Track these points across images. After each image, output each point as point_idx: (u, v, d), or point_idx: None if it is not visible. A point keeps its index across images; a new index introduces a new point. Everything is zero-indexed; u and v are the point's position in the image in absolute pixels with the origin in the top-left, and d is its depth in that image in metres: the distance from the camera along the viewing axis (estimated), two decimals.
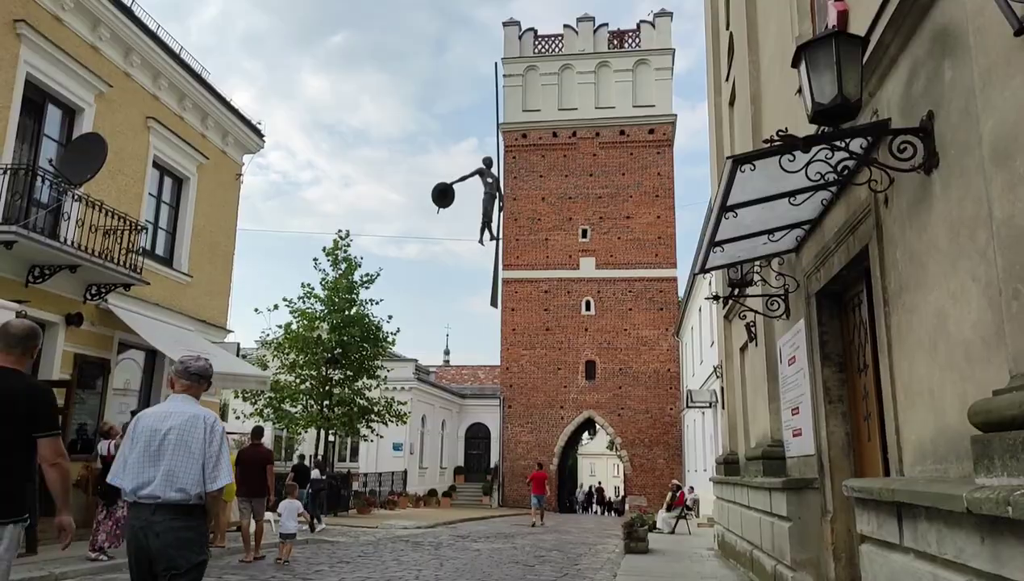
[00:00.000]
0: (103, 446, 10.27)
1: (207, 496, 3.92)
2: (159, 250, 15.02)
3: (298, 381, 22.92)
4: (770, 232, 6.50)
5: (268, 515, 11.96)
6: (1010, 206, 2.90)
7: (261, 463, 10.99)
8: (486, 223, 13.44)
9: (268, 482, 10.99)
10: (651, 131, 38.31)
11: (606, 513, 44.16)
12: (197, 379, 4.21)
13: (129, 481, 3.89)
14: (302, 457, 25.92)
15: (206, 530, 4.09)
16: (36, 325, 4.09)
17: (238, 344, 18.13)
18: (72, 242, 11.29)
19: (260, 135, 18.02)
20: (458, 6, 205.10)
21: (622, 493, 41.45)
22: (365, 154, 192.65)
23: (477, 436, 40.76)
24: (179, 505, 3.85)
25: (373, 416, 23.93)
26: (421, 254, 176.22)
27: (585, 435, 49.71)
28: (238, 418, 23.94)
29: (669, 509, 20.21)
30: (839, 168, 4.53)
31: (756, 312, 8.94)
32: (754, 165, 4.57)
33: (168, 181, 15.43)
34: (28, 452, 3.72)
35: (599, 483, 57.15)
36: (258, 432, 11.74)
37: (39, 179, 11.35)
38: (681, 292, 34.38)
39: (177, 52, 14.81)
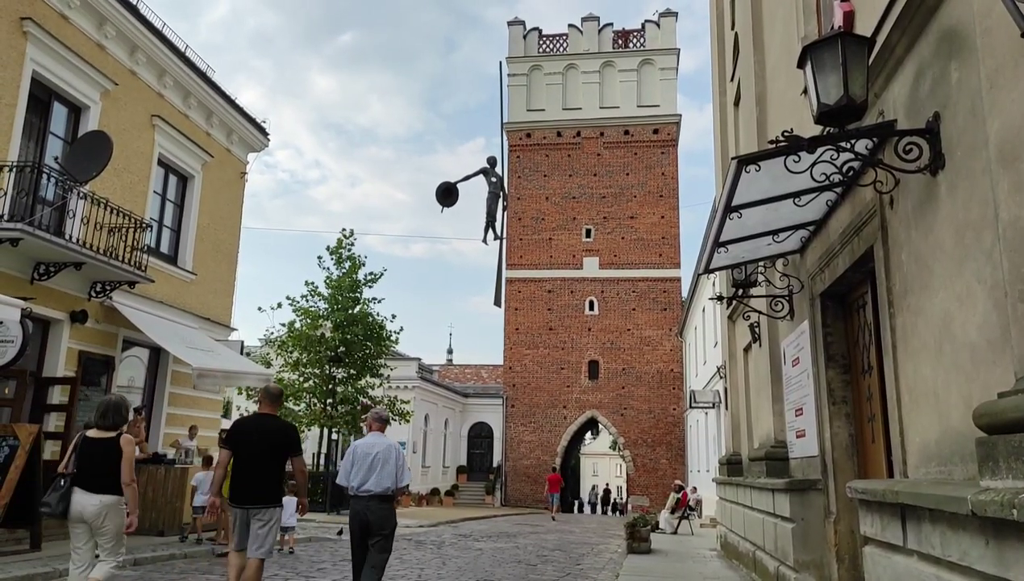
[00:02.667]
0: None
1: (397, 489, 6.63)
2: (164, 248, 15.05)
3: (301, 379, 22.96)
4: (774, 233, 6.49)
5: None
6: (1016, 208, 2.89)
7: None
8: (490, 222, 13.46)
9: None
10: (655, 131, 38.27)
11: (613, 513, 44.10)
12: (386, 422, 7.08)
13: (354, 483, 6.54)
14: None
15: (395, 509, 6.77)
16: (282, 388, 6.56)
17: (242, 342, 18.18)
18: (77, 239, 11.32)
19: (265, 133, 18.05)
20: (467, 5, 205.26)
21: (625, 493, 41.41)
22: (372, 153, 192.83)
23: (480, 435, 40.73)
24: (383, 495, 6.54)
25: None
26: (426, 253, 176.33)
27: (588, 435, 49.69)
28: (242, 415, 23.94)
29: (673, 512, 20.16)
30: (844, 169, 4.52)
31: (760, 313, 8.93)
32: (759, 166, 4.57)
33: (173, 179, 15.46)
34: (283, 465, 6.44)
35: (606, 485, 57.12)
36: None
37: (45, 176, 11.38)
38: (685, 292, 34.34)
39: (182, 50, 14.84)
